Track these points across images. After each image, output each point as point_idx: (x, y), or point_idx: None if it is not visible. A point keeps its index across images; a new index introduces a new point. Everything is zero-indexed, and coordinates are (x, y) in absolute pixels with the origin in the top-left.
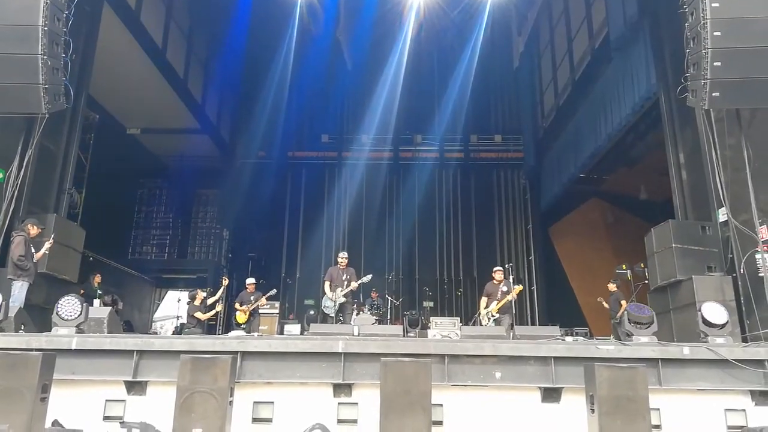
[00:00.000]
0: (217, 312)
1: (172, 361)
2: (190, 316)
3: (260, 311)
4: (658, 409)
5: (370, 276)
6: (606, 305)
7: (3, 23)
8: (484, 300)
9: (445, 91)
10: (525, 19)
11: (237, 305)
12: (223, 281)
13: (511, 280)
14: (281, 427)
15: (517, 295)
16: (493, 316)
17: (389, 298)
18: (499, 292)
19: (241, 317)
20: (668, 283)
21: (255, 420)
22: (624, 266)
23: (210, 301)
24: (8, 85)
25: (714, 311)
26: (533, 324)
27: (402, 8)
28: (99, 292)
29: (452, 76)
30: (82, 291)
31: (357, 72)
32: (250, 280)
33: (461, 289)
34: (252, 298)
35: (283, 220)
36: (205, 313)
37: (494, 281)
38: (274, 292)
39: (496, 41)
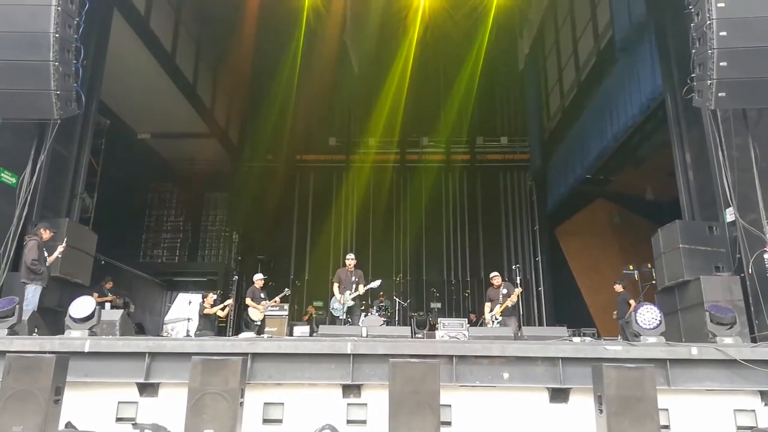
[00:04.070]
0: (226, 305)
1: (183, 363)
2: (201, 317)
3: (268, 312)
4: (667, 410)
5: (379, 281)
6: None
7: (15, 30)
8: (487, 305)
9: (451, 94)
10: (530, 20)
11: (248, 300)
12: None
13: (518, 281)
14: (291, 428)
15: (519, 297)
16: (496, 319)
17: (397, 299)
18: (500, 296)
19: (256, 314)
20: (676, 284)
21: (265, 421)
22: (631, 267)
23: (214, 309)
24: (20, 91)
25: (721, 312)
26: (541, 325)
27: (407, 11)
28: (109, 294)
29: (458, 79)
30: (95, 294)
31: (363, 75)
32: (258, 276)
33: (468, 291)
34: (262, 294)
35: (292, 222)
36: (213, 311)
37: (493, 286)
38: (288, 292)
39: (501, 43)
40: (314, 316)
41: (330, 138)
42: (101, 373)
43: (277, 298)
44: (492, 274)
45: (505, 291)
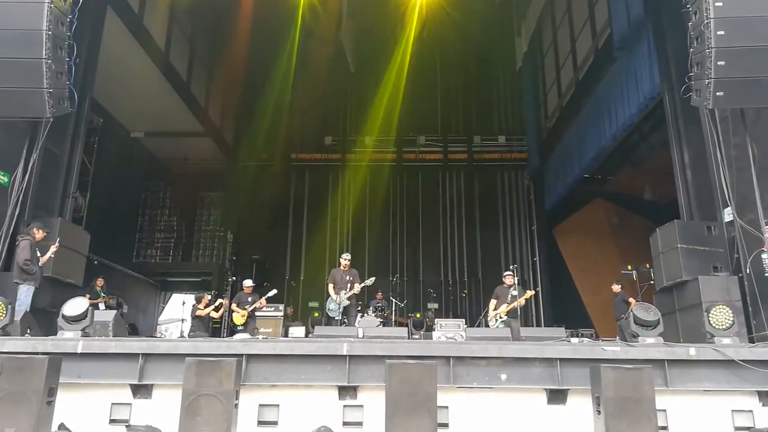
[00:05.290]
0: (219, 306)
1: (177, 364)
2: (194, 318)
3: (264, 313)
4: (665, 411)
5: (372, 279)
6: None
7: (7, 28)
8: (493, 302)
9: (448, 92)
10: (527, 19)
11: (234, 306)
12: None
13: (515, 281)
14: (287, 430)
15: (526, 300)
16: (500, 318)
17: (393, 300)
18: (509, 296)
19: (238, 319)
20: (674, 284)
21: (260, 423)
22: (629, 267)
23: (207, 310)
24: (13, 89)
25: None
26: (538, 325)
27: (404, 9)
28: (102, 294)
29: (455, 77)
30: (87, 296)
31: (360, 74)
32: (247, 282)
33: (466, 291)
34: (249, 299)
35: (287, 222)
36: (205, 312)
37: (505, 285)
38: (274, 292)
39: (499, 42)
40: (290, 316)
41: (326, 137)
42: (94, 374)
43: (263, 300)
44: (505, 273)
45: (515, 292)
